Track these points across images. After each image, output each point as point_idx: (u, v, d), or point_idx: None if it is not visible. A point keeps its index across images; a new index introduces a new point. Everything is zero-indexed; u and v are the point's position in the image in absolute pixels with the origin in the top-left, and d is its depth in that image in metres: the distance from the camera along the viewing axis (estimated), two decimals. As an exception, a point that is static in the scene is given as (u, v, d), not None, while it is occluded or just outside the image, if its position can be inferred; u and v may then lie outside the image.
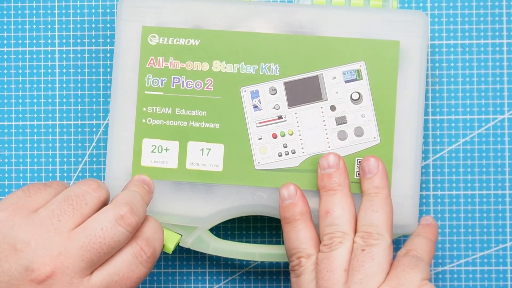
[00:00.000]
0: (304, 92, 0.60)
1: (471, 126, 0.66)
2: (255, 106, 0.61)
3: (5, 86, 0.67)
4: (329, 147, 0.61)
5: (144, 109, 0.61)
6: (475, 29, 0.66)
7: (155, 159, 0.61)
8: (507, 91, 0.66)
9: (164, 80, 0.61)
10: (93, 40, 0.67)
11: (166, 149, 0.61)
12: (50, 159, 0.67)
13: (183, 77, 0.61)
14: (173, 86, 0.61)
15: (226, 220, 0.62)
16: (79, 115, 0.67)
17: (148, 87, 0.61)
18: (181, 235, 0.61)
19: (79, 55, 0.67)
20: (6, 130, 0.67)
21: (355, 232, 0.58)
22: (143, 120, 0.61)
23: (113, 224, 0.54)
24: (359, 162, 0.60)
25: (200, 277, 0.67)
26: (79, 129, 0.67)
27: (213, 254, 0.62)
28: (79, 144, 0.67)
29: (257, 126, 0.61)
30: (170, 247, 0.60)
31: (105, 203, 0.57)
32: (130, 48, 0.61)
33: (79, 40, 0.67)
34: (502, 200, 0.66)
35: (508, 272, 0.66)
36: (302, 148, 0.61)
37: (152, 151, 0.61)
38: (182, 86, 0.61)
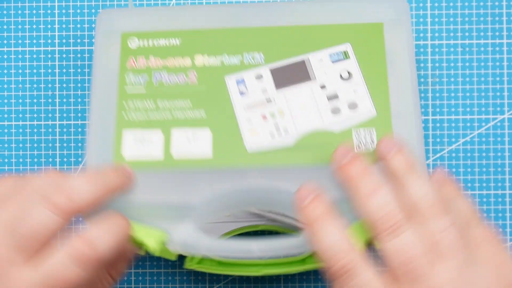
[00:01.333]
0: (291, 76, 0.58)
1: (471, 126, 0.66)
2: (242, 92, 0.58)
3: (5, 86, 0.67)
4: (323, 122, 0.57)
5: (126, 106, 0.58)
6: (475, 29, 0.66)
7: (139, 151, 0.57)
8: (507, 91, 0.66)
9: (146, 77, 0.58)
10: (93, 40, 0.67)
11: (150, 141, 0.57)
12: (50, 159, 0.67)
13: (165, 72, 0.58)
14: (155, 83, 0.58)
15: (219, 220, 0.58)
16: (79, 115, 0.67)
17: (129, 86, 0.58)
18: (169, 235, 0.55)
19: (79, 55, 0.67)
20: (6, 130, 0.67)
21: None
22: (126, 118, 0.57)
23: (37, 205, 0.49)
24: (357, 134, 0.57)
25: (200, 277, 0.67)
26: (79, 129, 0.67)
27: (207, 254, 0.55)
28: (79, 144, 0.67)
29: (244, 110, 0.58)
30: (152, 244, 0.54)
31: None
32: (109, 58, 0.59)
33: (79, 40, 0.67)
34: (502, 200, 0.66)
35: (508, 272, 0.66)
36: (295, 126, 0.57)
37: (135, 143, 0.57)
38: (165, 82, 0.58)
